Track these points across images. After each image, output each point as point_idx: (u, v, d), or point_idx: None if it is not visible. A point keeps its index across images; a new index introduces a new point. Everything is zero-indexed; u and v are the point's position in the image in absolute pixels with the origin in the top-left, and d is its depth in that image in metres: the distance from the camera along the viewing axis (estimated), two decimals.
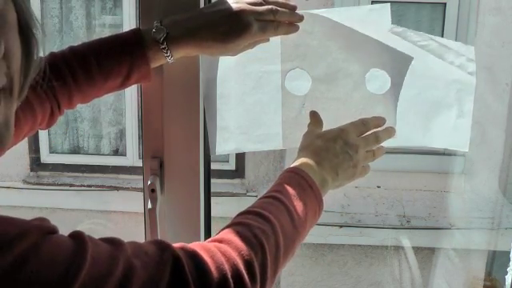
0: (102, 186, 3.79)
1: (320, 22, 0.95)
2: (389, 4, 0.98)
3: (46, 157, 3.87)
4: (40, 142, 3.80)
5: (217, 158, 3.63)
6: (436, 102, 0.98)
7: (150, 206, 0.97)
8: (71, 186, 3.82)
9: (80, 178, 3.85)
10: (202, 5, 0.94)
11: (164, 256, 0.61)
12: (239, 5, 0.85)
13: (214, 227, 1.06)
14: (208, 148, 1.01)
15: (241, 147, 1.03)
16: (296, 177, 0.83)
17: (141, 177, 1.02)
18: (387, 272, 3.64)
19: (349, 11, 1.00)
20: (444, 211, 3.58)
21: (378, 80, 0.98)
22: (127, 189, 3.70)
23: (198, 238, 1.02)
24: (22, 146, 3.63)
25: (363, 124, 0.93)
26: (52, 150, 3.91)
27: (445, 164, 3.51)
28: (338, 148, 0.88)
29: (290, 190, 0.80)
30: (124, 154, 3.85)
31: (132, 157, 3.81)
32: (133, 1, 3.53)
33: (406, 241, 3.53)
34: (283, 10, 0.88)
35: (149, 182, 0.97)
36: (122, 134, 3.87)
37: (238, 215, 0.76)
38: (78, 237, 0.56)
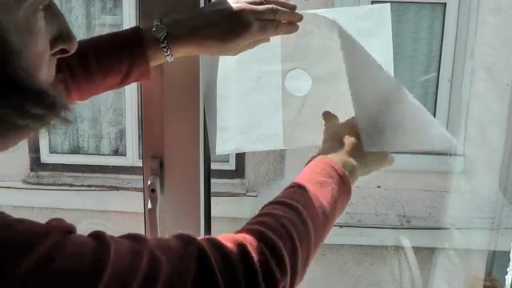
0: (102, 186, 3.79)
1: (320, 21, 0.95)
2: (389, 4, 0.98)
3: (45, 157, 3.88)
4: (40, 142, 3.80)
5: (217, 158, 3.64)
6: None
7: (150, 205, 0.97)
8: (71, 186, 3.82)
9: (80, 178, 3.85)
10: (201, 4, 0.94)
11: (188, 249, 0.61)
12: (239, 4, 0.85)
13: (214, 227, 1.06)
14: (208, 148, 1.01)
15: (241, 147, 1.03)
16: (322, 164, 0.82)
17: (141, 177, 1.02)
18: (387, 272, 3.65)
19: (349, 11, 1.00)
20: (444, 211, 3.58)
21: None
22: (127, 189, 3.70)
23: None
24: (22, 146, 3.63)
25: None
26: (52, 150, 3.91)
27: (445, 164, 3.51)
28: None
29: (318, 177, 0.80)
30: (124, 154, 3.85)
31: (132, 157, 3.81)
32: (133, 1, 3.53)
33: (406, 241, 3.53)
34: (283, 9, 0.88)
35: (149, 182, 0.97)
36: (122, 134, 3.87)
37: (264, 206, 0.76)
38: (98, 236, 0.57)
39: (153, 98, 0.97)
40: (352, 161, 0.85)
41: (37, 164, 3.87)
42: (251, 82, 0.99)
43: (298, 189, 0.78)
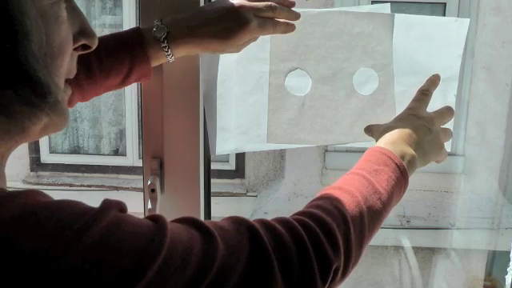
0: (102, 186, 3.79)
1: (320, 21, 0.95)
2: (389, 4, 0.98)
3: (45, 157, 3.88)
4: (40, 142, 3.80)
5: (217, 158, 3.64)
6: None
7: (150, 205, 0.97)
8: (71, 186, 3.82)
9: (80, 178, 3.85)
10: (202, 4, 0.94)
11: (240, 229, 0.62)
12: (238, 1, 0.86)
13: None
14: (208, 148, 1.01)
15: (241, 147, 1.03)
16: (378, 154, 0.82)
17: (141, 177, 1.02)
18: (387, 272, 3.65)
19: (349, 11, 1.00)
20: (444, 211, 3.58)
21: (377, 80, 0.98)
22: (127, 189, 3.70)
23: None
24: (22, 146, 3.63)
25: (425, 94, 0.93)
26: (52, 150, 3.91)
27: (445, 164, 3.50)
28: (414, 123, 0.88)
29: (373, 166, 0.80)
30: (124, 154, 3.85)
31: (132, 157, 3.81)
32: (133, 1, 3.54)
33: (406, 241, 3.53)
34: (282, 6, 0.88)
35: (149, 182, 0.97)
36: (121, 134, 3.87)
37: (319, 193, 0.77)
38: (154, 217, 0.58)
39: (153, 98, 0.97)
40: (411, 150, 0.85)
41: (37, 164, 3.87)
42: (251, 82, 1.00)
43: (354, 176, 0.78)
